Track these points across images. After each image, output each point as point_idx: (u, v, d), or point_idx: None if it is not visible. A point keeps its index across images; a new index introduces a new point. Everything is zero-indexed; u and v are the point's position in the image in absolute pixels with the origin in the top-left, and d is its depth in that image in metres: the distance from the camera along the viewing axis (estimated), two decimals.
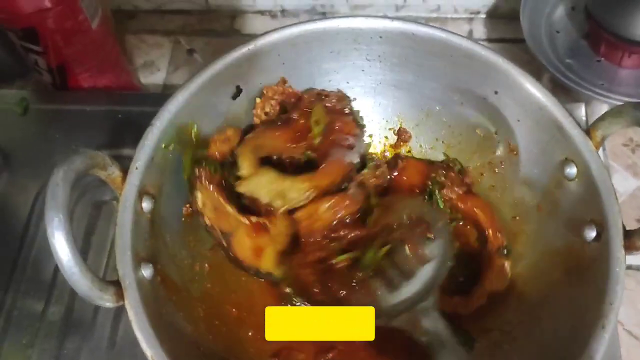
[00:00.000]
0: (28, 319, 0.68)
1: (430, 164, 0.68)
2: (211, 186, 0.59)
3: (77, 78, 0.85)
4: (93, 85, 0.87)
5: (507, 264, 0.62)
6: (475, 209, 0.64)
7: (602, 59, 0.86)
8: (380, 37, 0.63)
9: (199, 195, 0.58)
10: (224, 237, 0.59)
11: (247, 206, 0.60)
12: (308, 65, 0.66)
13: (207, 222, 0.59)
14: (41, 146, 0.77)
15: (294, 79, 0.66)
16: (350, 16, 0.64)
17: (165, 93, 0.80)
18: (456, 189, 0.66)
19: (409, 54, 0.64)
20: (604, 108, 0.80)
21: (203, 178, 0.59)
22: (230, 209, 0.59)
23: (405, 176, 0.67)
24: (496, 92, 0.62)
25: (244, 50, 0.61)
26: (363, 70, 0.67)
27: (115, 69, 0.89)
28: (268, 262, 0.59)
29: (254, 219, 0.59)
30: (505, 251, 0.63)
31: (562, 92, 0.83)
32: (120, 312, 0.67)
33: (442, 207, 0.65)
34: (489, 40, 0.97)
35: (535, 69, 0.84)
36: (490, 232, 0.63)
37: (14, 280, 0.70)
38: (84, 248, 0.72)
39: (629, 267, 0.78)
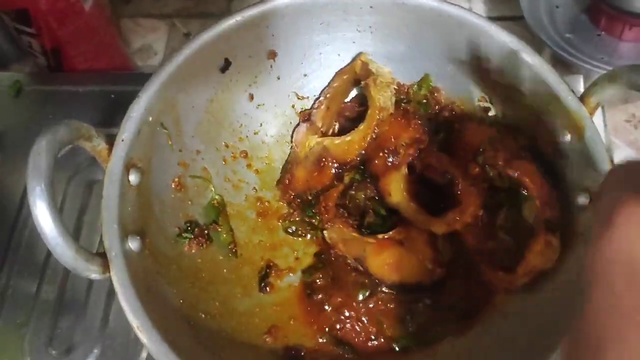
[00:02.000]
0: (22, 299, 0.68)
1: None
2: (336, 221, 0.64)
3: (72, 61, 0.84)
4: (88, 68, 0.86)
5: (554, 240, 0.55)
6: (523, 177, 0.58)
7: (603, 32, 0.85)
8: (371, 7, 0.62)
9: (327, 234, 0.64)
10: (358, 262, 0.62)
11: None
12: (297, 38, 0.65)
13: (339, 252, 0.64)
14: (34, 128, 0.74)
15: (283, 52, 0.65)
16: None
17: None
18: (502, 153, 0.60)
19: (401, 24, 0.63)
20: None
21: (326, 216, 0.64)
22: (356, 234, 0.63)
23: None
24: (489, 61, 0.61)
25: (231, 21, 0.60)
26: (354, 42, 0.66)
27: (110, 51, 0.88)
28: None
29: (380, 236, 0.62)
30: (553, 226, 0.56)
31: (563, 67, 0.82)
32: (113, 292, 0.66)
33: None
34: (489, 18, 0.94)
35: (535, 46, 0.83)
36: (538, 202, 0.56)
37: (8, 261, 0.70)
38: (76, 227, 0.71)
39: None
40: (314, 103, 0.69)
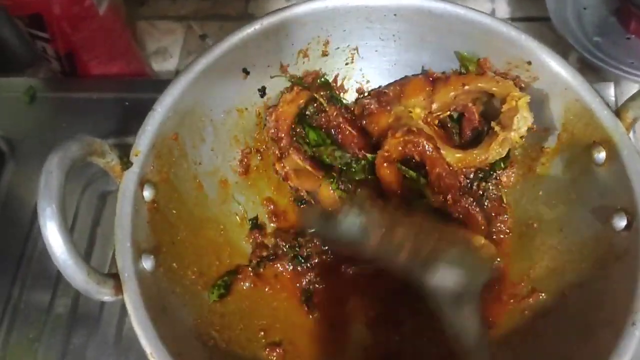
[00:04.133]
0: (35, 313, 0.67)
1: None
2: (292, 151, 0.63)
3: (86, 65, 0.83)
4: (103, 73, 0.85)
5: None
6: None
7: (633, 36, 0.82)
8: (395, 14, 0.60)
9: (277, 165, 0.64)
10: (311, 195, 0.64)
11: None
12: (318, 47, 0.63)
13: (291, 184, 0.64)
14: (48, 135, 0.75)
15: (303, 60, 0.63)
16: None
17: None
18: None
19: (425, 33, 0.61)
20: (634, 88, 0.76)
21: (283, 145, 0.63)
22: (309, 167, 0.62)
23: None
24: (517, 74, 0.59)
25: (249, 30, 0.58)
26: (377, 51, 0.64)
27: (125, 55, 0.87)
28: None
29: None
30: None
31: (590, 71, 0.80)
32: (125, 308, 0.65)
33: None
34: (513, 19, 0.93)
35: (561, 48, 0.81)
36: None
37: (20, 273, 0.69)
38: (89, 240, 0.70)
39: None
40: (443, 74, 0.63)
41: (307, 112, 0.65)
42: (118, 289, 0.47)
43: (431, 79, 0.62)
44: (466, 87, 0.60)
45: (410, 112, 0.62)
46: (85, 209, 0.72)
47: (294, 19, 0.59)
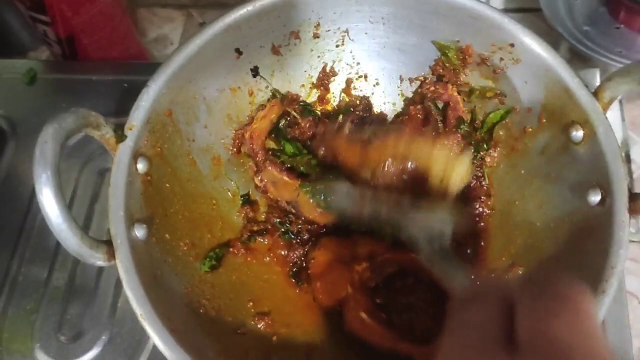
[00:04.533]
0: (32, 286, 0.69)
1: None
2: (268, 164, 0.64)
3: (86, 49, 0.84)
4: (103, 57, 0.86)
5: None
6: None
7: (622, 25, 0.84)
8: None
9: (258, 177, 0.65)
10: (291, 205, 0.64)
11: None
12: (310, 29, 0.64)
13: (271, 196, 0.65)
14: (48, 115, 0.75)
15: (294, 41, 0.65)
16: None
17: None
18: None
19: (413, 15, 0.63)
20: None
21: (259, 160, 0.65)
22: (287, 178, 0.64)
23: None
24: (501, 56, 0.60)
25: (242, 11, 0.60)
26: (366, 33, 0.66)
27: (125, 41, 0.88)
28: None
29: None
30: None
31: (580, 60, 0.81)
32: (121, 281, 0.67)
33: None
34: (507, 10, 0.94)
35: (552, 38, 0.82)
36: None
37: (19, 248, 0.71)
38: (87, 216, 0.72)
39: None
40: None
41: (280, 126, 0.67)
42: (111, 254, 0.49)
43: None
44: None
45: None
46: (83, 186, 0.74)
47: (285, 1, 0.61)
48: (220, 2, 0.98)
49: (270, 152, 0.65)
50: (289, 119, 0.67)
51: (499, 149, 0.64)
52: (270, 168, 0.64)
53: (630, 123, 0.82)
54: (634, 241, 0.76)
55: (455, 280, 0.50)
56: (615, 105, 0.82)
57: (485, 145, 0.65)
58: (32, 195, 0.73)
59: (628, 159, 0.80)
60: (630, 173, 0.77)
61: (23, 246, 0.71)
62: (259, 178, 0.65)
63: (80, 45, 0.83)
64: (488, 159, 0.65)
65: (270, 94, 0.67)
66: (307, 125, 0.67)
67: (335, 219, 0.64)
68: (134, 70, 0.82)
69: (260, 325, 0.59)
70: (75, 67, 0.84)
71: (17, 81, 0.82)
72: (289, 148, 0.66)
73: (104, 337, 0.65)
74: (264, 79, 0.66)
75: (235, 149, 0.66)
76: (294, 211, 0.65)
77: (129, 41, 0.89)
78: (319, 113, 0.69)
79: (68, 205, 0.46)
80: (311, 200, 0.63)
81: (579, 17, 0.85)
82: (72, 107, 0.74)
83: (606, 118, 0.53)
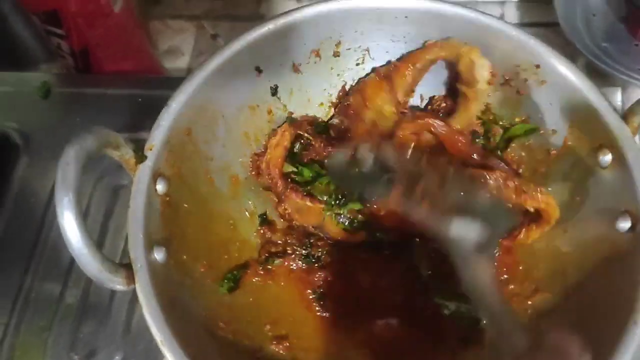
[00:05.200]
0: (45, 302, 0.68)
1: None
2: (289, 192, 0.62)
3: (100, 62, 0.84)
4: (116, 69, 0.86)
5: None
6: None
7: None
8: (406, 16, 0.61)
9: (282, 207, 0.63)
10: (318, 229, 0.64)
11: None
12: (330, 47, 0.64)
13: (297, 224, 0.64)
14: (61, 129, 0.76)
15: (315, 59, 0.64)
16: None
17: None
18: None
19: (435, 35, 0.62)
20: None
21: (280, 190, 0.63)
22: (310, 203, 0.62)
23: None
24: (526, 77, 0.60)
25: (263, 30, 0.59)
26: (387, 52, 0.65)
27: (138, 53, 0.88)
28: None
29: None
30: None
31: (598, 77, 0.80)
32: (136, 296, 0.66)
33: None
34: (522, 24, 0.94)
35: (569, 53, 0.81)
36: None
37: (33, 264, 0.70)
38: (101, 231, 0.71)
39: None
40: (390, 65, 0.65)
41: (295, 150, 0.65)
42: (130, 278, 0.48)
43: (382, 75, 0.64)
44: (417, 65, 0.62)
45: (381, 112, 0.63)
46: (97, 202, 0.73)
47: (307, 19, 0.60)
48: (232, 14, 0.99)
49: (289, 179, 0.64)
50: (302, 141, 0.66)
51: (521, 170, 0.63)
52: (292, 196, 0.62)
53: None
54: None
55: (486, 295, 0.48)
56: None
57: (499, 152, 0.64)
58: (46, 210, 0.73)
59: None
60: None
61: (36, 262, 0.70)
62: (283, 207, 0.63)
63: (94, 57, 0.83)
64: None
65: (287, 115, 0.66)
66: (322, 145, 0.65)
67: (364, 237, 0.63)
68: (149, 85, 0.81)
69: (278, 349, 0.58)
70: (89, 80, 0.84)
71: (31, 95, 0.81)
72: (307, 173, 0.64)
73: (117, 357, 0.64)
74: (280, 99, 0.65)
75: (254, 173, 0.65)
76: (321, 234, 0.64)
77: (141, 53, 0.89)
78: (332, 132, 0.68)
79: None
80: (337, 223, 0.62)
81: (597, 33, 0.84)
82: (86, 121, 0.76)
83: (636, 142, 0.52)
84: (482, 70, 0.59)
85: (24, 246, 0.71)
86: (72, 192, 0.44)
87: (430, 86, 0.66)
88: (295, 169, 0.65)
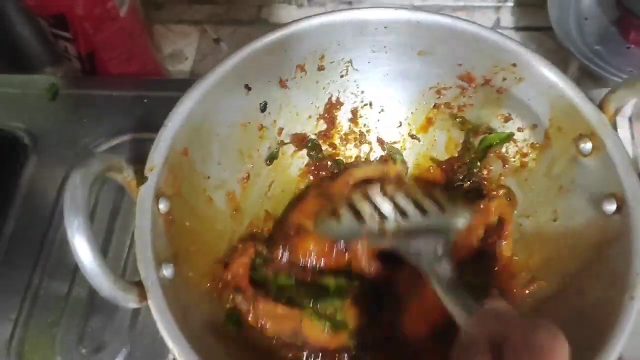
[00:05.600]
0: (54, 299, 0.69)
1: None
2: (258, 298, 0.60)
3: (105, 65, 0.86)
4: (121, 72, 0.88)
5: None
6: None
7: (632, 45, 0.86)
8: (385, 27, 0.63)
9: (252, 319, 0.59)
10: (296, 337, 0.60)
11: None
12: (315, 61, 0.66)
13: (270, 333, 0.59)
14: (69, 130, 0.80)
15: (300, 74, 0.66)
16: (353, 8, 0.64)
17: (190, 79, 0.80)
18: None
19: (415, 43, 0.64)
20: None
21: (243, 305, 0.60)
22: (287, 308, 0.59)
23: None
24: (504, 76, 0.62)
25: (251, 48, 0.61)
26: (369, 62, 0.67)
27: (143, 56, 0.91)
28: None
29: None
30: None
31: (591, 79, 0.83)
32: None
33: None
34: (517, 29, 0.97)
35: (563, 57, 0.85)
36: None
37: (41, 261, 0.71)
38: (108, 231, 0.73)
39: None
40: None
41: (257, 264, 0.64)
42: (142, 296, 0.49)
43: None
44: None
45: None
46: (103, 202, 0.75)
47: (293, 35, 0.62)
48: (234, 19, 1.02)
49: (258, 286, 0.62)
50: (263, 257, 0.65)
51: (507, 166, 0.66)
52: (262, 304, 0.59)
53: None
54: None
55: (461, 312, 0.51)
56: (625, 124, 0.84)
57: (478, 163, 0.67)
58: (54, 209, 0.75)
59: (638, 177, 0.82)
60: None
61: (44, 260, 0.72)
62: (254, 319, 0.59)
63: (99, 60, 0.86)
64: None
65: (278, 128, 0.68)
66: (281, 258, 0.65)
67: (347, 340, 0.60)
68: (153, 86, 0.84)
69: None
70: (95, 82, 0.87)
71: (39, 96, 0.84)
72: (281, 280, 0.63)
73: (124, 350, 0.66)
74: (269, 115, 0.67)
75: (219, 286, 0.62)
76: (299, 344, 0.60)
77: (146, 56, 0.92)
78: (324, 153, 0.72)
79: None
80: (317, 323, 0.59)
81: (590, 36, 0.87)
82: (92, 122, 0.78)
83: (613, 129, 0.55)
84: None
85: (32, 244, 0.72)
86: (81, 215, 0.45)
87: (416, 93, 0.69)
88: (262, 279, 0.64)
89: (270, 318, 0.59)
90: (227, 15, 1.02)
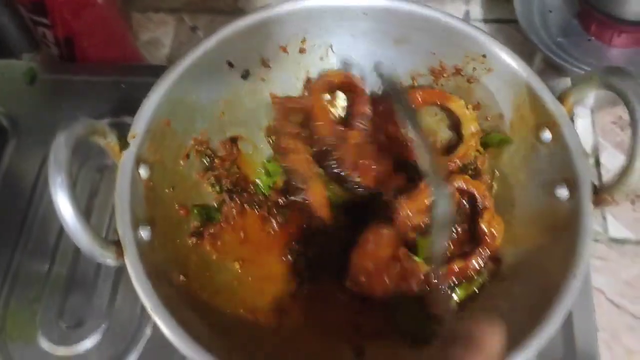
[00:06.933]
0: (34, 277, 0.72)
1: None
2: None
3: (84, 51, 0.88)
4: (99, 59, 0.90)
5: None
6: None
7: (593, 38, 0.88)
8: (364, 13, 0.66)
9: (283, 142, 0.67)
10: (299, 181, 0.66)
11: None
12: (296, 43, 0.69)
13: (286, 164, 0.67)
14: (48, 114, 0.81)
15: (282, 54, 0.69)
16: None
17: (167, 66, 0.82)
18: None
19: (392, 30, 0.67)
20: None
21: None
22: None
23: None
24: (474, 66, 0.66)
25: (234, 27, 0.64)
26: (348, 47, 0.70)
27: (121, 43, 0.93)
28: None
29: None
30: None
31: (554, 70, 0.86)
32: (120, 273, 0.72)
33: None
34: (485, 21, 1.00)
35: (528, 49, 0.88)
36: None
37: (21, 241, 0.74)
38: (87, 211, 0.75)
39: (613, 240, 0.81)
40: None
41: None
42: (119, 254, 0.52)
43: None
44: None
45: None
46: (83, 182, 0.77)
47: (275, 18, 0.65)
48: (211, 7, 1.03)
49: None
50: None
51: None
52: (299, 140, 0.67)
53: (600, 130, 0.87)
54: (601, 241, 0.81)
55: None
56: (586, 114, 0.87)
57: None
58: (33, 192, 0.77)
59: (598, 164, 0.85)
60: (599, 176, 0.82)
61: (25, 240, 0.74)
62: (285, 143, 0.67)
63: (78, 47, 0.87)
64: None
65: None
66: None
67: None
68: (132, 72, 0.85)
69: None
70: (74, 68, 0.88)
71: (18, 81, 0.85)
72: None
73: (104, 325, 0.69)
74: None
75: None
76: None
77: (124, 44, 0.93)
78: None
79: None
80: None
81: (553, 28, 0.90)
82: (71, 106, 0.79)
83: (570, 120, 0.59)
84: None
85: (12, 225, 0.75)
86: (64, 173, 0.48)
87: None
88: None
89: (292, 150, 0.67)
90: (205, 4, 1.04)
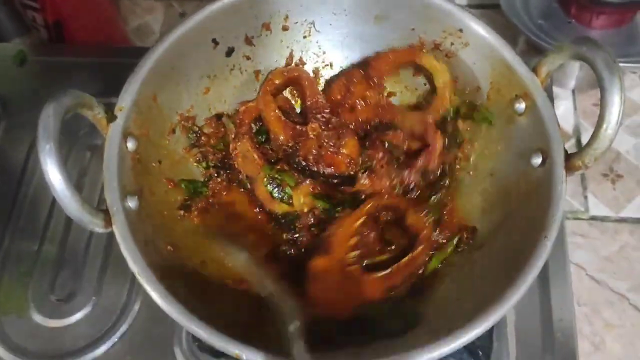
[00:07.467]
0: (26, 252, 0.75)
1: None
2: (245, 137, 0.69)
3: (72, 34, 0.90)
4: (88, 42, 0.92)
5: None
6: None
7: (573, 20, 0.91)
8: None
9: (232, 145, 0.69)
10: (249, 180, 0.69)
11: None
12: (279, 21, 0.71)
13: (236, 166, 0.69)
14: (37, 95, 0.80)
15: (266, 32, 0.71)
16: None
17: None
18: None
19: (372, 7, 0.69)
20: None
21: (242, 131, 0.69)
22: (256, 157, 0.68)
23: None
24: (452, 41, 0.68)
25: (219, 4, 0.65)
26: (330, 25, 0.72)
27: (109, 27, 0.95)
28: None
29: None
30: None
31: (536, 52, 0.88)
32: (109, 250, 0.74)
33: None
34: (470, 5, 1.03)
35: (511, 32, 0.90)
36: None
37: (13, 218, 0.76)
38: (77, 187, 0.73)
39: (594, 218, 0.84)
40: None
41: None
42: (108, 222, 0.54)
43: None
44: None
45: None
46: (73, 161, 0.79)
47: None
48: None
49: (254, 131, 0.71)
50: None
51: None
52: (245, 140, 0.68)
53: (581, 112, 0.90)
54: (582, 218, 0.84)
55: None
56: (568, 96, 0.90)
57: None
58: (24, 171, 0.79)
59: (579, 144, 0.88)
60: None
61: (16, 217, 0.77)
62: (234, 146, 0.69)
63: (67, 30, 0.89)
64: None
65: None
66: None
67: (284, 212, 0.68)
68: (120, 54, 0.87)
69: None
70: (64, 50, 0.90)
71: (8, 63, 0.87)
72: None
73: (94, 298, 0.71)
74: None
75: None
76: (248, 187, 0.70)
77: (112, 28, 0.96)
78: None
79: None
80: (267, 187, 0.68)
81: (534, 11, 0.92)
82: (61, 87, 0.79)
83: (544, 90, 0.61)
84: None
85: (3, 203, 0.77)
86: (53, 141, 0.50)
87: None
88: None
89: (243, 156, 0.69)
90: None
